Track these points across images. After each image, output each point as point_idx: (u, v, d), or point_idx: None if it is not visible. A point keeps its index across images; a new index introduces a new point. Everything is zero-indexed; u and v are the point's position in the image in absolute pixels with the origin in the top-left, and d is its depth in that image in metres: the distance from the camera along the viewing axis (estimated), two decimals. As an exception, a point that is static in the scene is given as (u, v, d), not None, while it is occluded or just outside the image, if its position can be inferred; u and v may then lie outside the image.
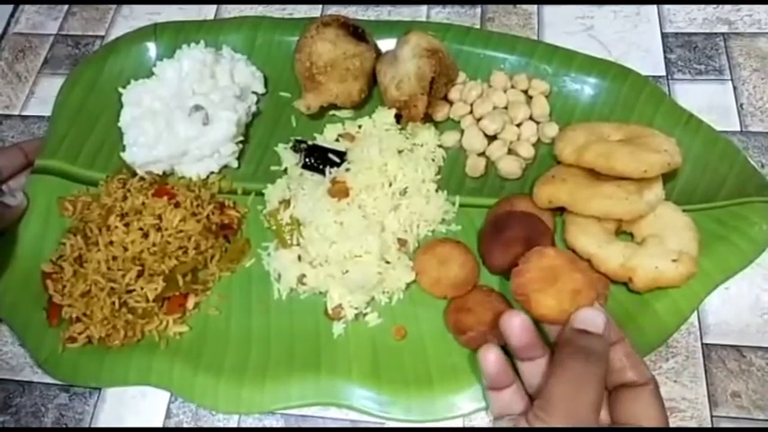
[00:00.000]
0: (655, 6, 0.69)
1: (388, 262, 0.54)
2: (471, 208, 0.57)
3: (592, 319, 0.40)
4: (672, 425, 0.49)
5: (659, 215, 0.52)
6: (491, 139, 0.59)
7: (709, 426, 0.49)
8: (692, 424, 0.49)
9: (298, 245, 0.56)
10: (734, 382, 0.50)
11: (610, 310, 0.50)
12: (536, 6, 0.71)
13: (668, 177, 0.54)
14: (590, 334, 0.40)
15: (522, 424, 0.40)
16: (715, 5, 0.69)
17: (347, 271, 0.53)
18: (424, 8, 0.72)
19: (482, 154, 0.59)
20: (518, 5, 0.71)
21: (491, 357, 0.43)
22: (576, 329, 0.40)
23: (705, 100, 0.62)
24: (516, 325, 0.41)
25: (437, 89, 0.59)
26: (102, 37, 0.75)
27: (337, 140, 0.61)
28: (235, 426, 0.52)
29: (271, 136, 0.63)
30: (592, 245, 0.51)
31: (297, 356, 0.52)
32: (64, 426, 0.53)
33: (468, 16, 0.71)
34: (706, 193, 0.55)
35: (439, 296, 0.53)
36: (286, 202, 0.57)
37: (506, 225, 0.52)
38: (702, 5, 0.69)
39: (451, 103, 0.62)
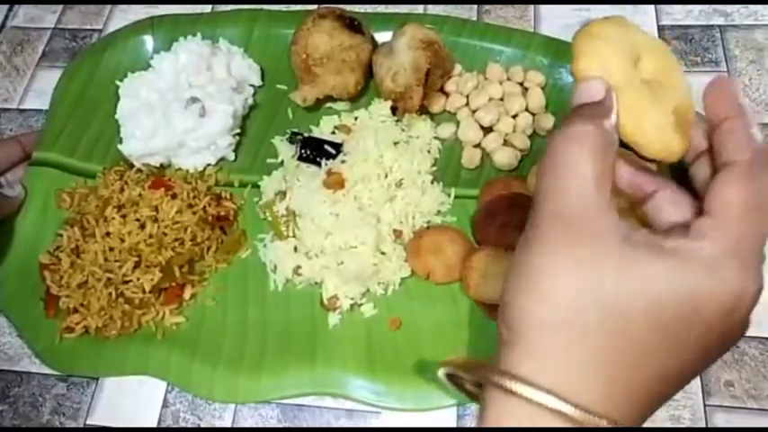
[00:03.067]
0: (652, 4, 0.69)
1: (383, 253, 0.54)
2: (467, 199, 0.57)
3: (590, 90, 0.31)
4: (665, 414, 0.49)
5: None
6: (487, 130, 0.60)
7: (703, 416, 0.49)
8: (686, 413, 0.49)
9: (293, 236, 0.56)
10: (727, 372, 0.50)
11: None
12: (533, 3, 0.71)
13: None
14: (582, 105, 0.31)
15: (669, 240, 0.28)
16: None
17: (342, 262, 0.53)
18: (420, 4, 0.72)
19: (478, 145, 0.60)
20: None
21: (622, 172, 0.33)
22: (572, 109, 0.31)
23: (701, 92, 0.62)
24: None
25: (433, 81, 0.59)
26: (100, 30, 0.75)
27: (333, 132, 0.61)
28: (231, 417, 0.52)
29: (267, 128, 0.64)
30: None
31: (293, 346, 0.52)
32: (62, 415, 0.53)
33: (464, 9, 0.71)
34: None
35: (443, 282, 0.53)
36: (282, 194, 0.58)
37: (500, 209, 0.53)
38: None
39: (447, 95, 0.62)
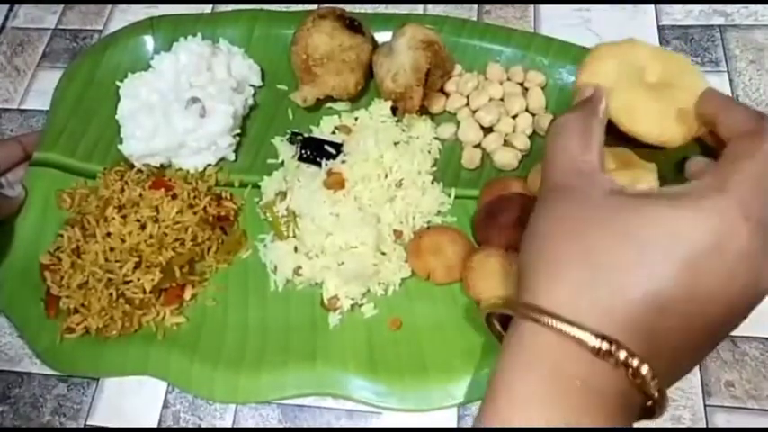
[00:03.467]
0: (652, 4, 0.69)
1: (383, 253, 0.54)
2: (467, 199, 0.58)
3: (582, 93, 0.39)
4: (666, 415, 0.49)
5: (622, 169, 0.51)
6: (487, 131, 0.60)
7: (703, 416, 0.49)
8: (686, 414, 0.49)
9: (294, 236, 0.56)
10: (728, 372, 0.50)
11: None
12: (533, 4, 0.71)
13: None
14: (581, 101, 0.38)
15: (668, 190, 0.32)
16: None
17: (343, 262, 0.53)
18: (419, 5, 0.72)
19: (478, 146, 0.60)
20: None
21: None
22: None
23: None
24: None
25: (433, 81, 0.59)
26: (100, 31, 0.75)
27: (334, 133, 0.61)
28: (231, 417, 0.52)
29: (267, 128, 0.64)
30: None
31: (293, 347, 0.52)
32: (62, 415, 0.53)
33: (464, 9, 0.71)
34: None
35: (443, 282, 0.53)
36: (282, 194, 0.58)
37: (500, 209, 0.53)
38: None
39: (447, 96, 0.62)
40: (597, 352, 0.27)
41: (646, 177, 0.51)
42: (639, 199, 0.30)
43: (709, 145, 0.43)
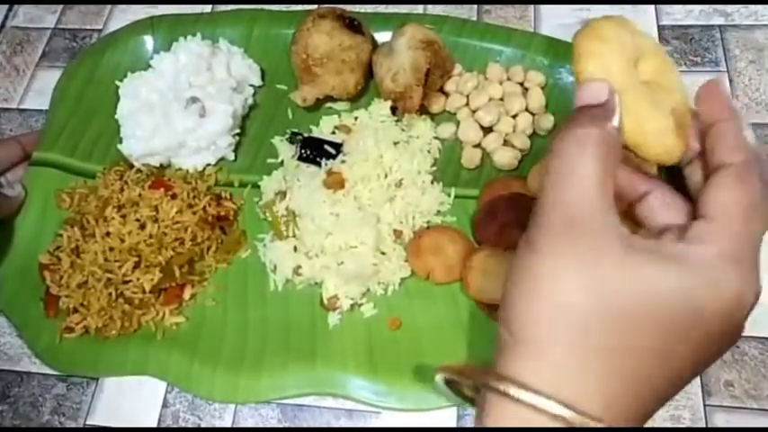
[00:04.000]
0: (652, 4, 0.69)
1: (383, 253, 0.54)
2: (467, 199, 0.57)
3: (593, 92, 0.31)
4: (665, 414, 0.49)
5: None
6: (487, 130, 0.60)
7: (702, 416, 0.49)
8: (686, 413, 0.49)
9: (293, 236, 0.56)
10: (727, 372, 0.50)
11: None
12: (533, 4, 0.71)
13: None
14: (584, 107, 0.31)
15: (667, 244, 0.28)
16: None
17: (342, 262, 0.53)
18: (419, 5, 0.72)
19: (478, 145, 0.60)
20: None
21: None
22: (574, 111, 0.31)
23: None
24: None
25: (433, 81, 0.59)
26: (100, 30, 0.75)
27: (333, 132, 0.61)
28: (231, 417, 0.52)
29: (267, 128, 0.64)
30: None
31: (293, 346, 0.52)
32: (62, 415, 0.53)
33: (464, 9, 0.71)
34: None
35: (443, 282, 0.53)
36: (282, 194, 0.58)
37: (500, 209, 0.53)
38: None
39: (447, 95, 0.62)
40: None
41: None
42: (652, 258, 0.27)
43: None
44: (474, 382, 0.30)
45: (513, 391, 0.26)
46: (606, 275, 0.27)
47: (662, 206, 0.32)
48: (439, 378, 0.32)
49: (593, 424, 0.25)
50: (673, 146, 0.35)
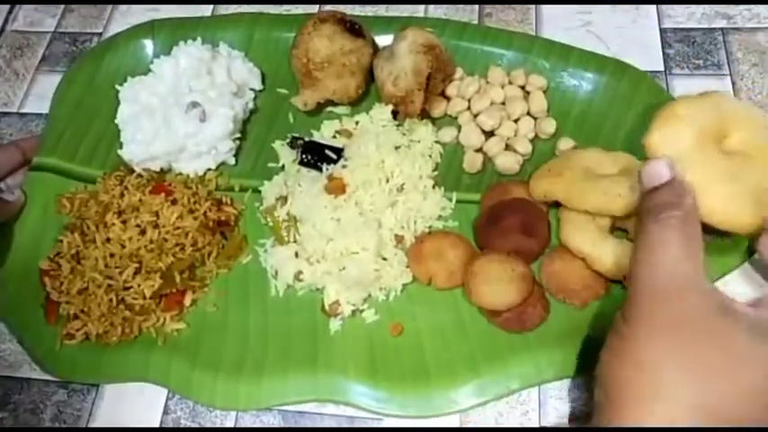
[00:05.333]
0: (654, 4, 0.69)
1: (384, 258, 0.54)
2: (469, 204, 0.57)
3: (654, 172, 0.34)
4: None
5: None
6: (488, 135, 0.59)
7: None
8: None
9: (294, 241, 0.56)
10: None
11: (607, 308, 0.50)
12: (534, 4, 0.71)
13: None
14: (656, 189, 0.34)
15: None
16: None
17: (344, 268, 0.53)
18: (421, 5, 0.72)
19: (479, 150, 0.59)
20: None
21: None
22: (646, 192, 0.34)
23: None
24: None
25: (434, 85, 0.59)
26: (100, 34, 0.75)
27: (334, 137, 0.61)
28: (232, 424, 0.52)
29: (268, 133, 0.63)
30: (586, 244, 0.50)
31: (294, 353, 0.52)
32: (62, 422, 0.53)
33: (465, 12, 0.71)
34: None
35: (445, 287, 0.53)
36: (283, 199, 0.57)
37: (502, 214, 0.53)
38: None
39: (449, 99, 0.62)
40: None
41: None
42: (754, 331, 0.29)
43: None
44: None
45: None
46: (697, 347, 0.28)
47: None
48: None
49: None
50: (743, 216, 0.37)
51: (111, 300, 0.53)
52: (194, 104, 0.59)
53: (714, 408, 0.28)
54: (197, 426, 0.52)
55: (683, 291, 0.30)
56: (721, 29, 0.66)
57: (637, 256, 0.33)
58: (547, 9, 0.70)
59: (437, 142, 0.60)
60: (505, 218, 0.53)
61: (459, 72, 0.63)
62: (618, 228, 0.53)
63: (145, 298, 0.53)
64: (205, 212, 0.57)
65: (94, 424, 0.53)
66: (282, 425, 0.52)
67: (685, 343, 0.29)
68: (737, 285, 0.53)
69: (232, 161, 0.62)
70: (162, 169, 0.61)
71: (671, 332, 0.29)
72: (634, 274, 0.32)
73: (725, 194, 0.37)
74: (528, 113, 0.60)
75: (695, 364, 0.28)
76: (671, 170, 0.34)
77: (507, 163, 0.58)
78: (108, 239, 0.55)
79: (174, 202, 0.57)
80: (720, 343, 0.29)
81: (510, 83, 0.62)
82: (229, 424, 0.52)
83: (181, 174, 0.61)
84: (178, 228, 0.56)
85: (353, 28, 0.60)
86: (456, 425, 0.50)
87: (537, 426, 0.49)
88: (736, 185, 0.37)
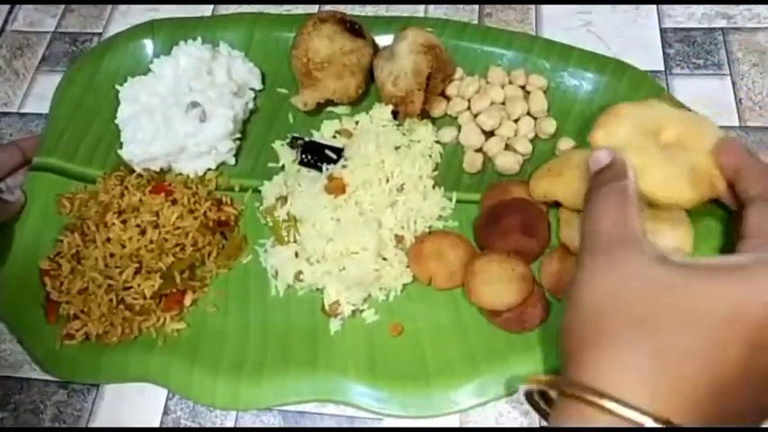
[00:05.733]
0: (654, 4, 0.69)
1: (384, 259, 0.54)
2: (469, 204, 0.57)
3: (598, 158, 0.40)
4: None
5: (653, 211, 0.52)
6: (488, 134, 0.59)
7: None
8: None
9: (295, 242, 0.56)
10: None
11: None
12: (534, 4, 0.71)
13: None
14: (600, 170, 0.39)
15: (701, 259, 0.34)
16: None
17: (344, 268, 0.53)
18: (421, 5, 0.72)
19: (479, 150, 0.59)
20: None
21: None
22: (592, 175, 0.40)
23: (704, 95, 0.62)
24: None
25: (434, 85, 0.59)
26: (100, 34, 0.75)
27: (334, 137, 0.61)
28: (232, 424, 0.52)
29: (268, 132, 0.63)
30: None
31: (294, 353, 0.52)
32: (62, 422, 0.53)
33: (465, 12, 0.71)
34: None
35: (445, 288, 0.53)
36: (283, 199, 0.57)
37: (502, 214, 0.53)
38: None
39: (449, 99, 0.62)
40: None
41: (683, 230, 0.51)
42: (691, 271, 0.31)
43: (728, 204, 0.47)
44: (559, 391, 0.32)
45: (607, 403, 0.28)
46: (633, 274, 0.31)
47: None
48: (524, 388, 0.36)
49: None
50: (684, 193, 0.43)
51: (111, 300, 0.53)
52: (194, 104, 0.59)
53: (667, 349, 0.29)
54: (197, 426, 0.52)
55: (623, 245, 0.33)
56: (721, 29, 0.66)
57: (582, 223, 0.37)
58: (547, 9, 0.70)
59: (437, 142, 0.60)
60: (505, 218, 0.53)
61: (459, 72, 0.63)
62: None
63: (145, 298, 0.53)
64: (205, 212, 0.57)
65: (94, 424, 0.53)
66: (282, 425, 0.52)
67: (628, 289, 0.31)
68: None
69: (232, 161, 0.62)
70: (162, 169, 0.61)
71: (614, 281, 0.32)
72: (580, 236, 0.36)
73: (664, 175, 0.43)
74: (528, 113, 0.60)
75: (640, 310, 0.30)
76: (611, 155, 0.40)
77: (507, 163, 0.58)
78: (108, 239, 0.55)
79: (174, 202, 0.57)
80: (659, 287, 0.31)
81: (510, 83, 0.62)
82: (229, 424, 0.52)
83: (181, 174, 0.61)
84: (178, 228, 0.56)
85: (353, 28, 0.60)
86: (456, 425, 0.50)
87: (537, 426, 0.49)
88: (674, 168, 0.44)
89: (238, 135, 0.62)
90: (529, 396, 0.37)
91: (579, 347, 0.32)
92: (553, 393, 0.34)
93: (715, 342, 0.28)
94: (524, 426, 0.49)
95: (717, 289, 0.29)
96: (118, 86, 0.63)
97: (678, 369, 0.28)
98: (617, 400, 0.28)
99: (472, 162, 0.59)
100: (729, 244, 0.51)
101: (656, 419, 0.27)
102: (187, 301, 0.55)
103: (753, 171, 0.40)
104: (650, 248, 0.33)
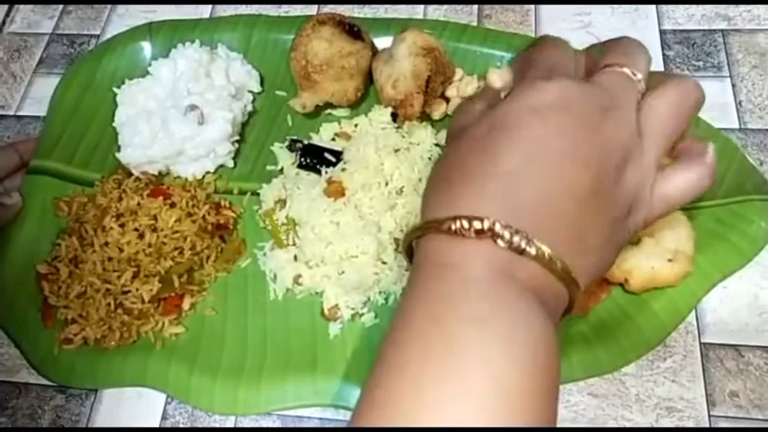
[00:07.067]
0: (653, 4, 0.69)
1: (384, 262, 0.54)
2: (468, 207, 0.57)
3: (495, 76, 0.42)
4: (669, 425, 0.49)
5: None
6: (488, 137, 0.59)
7: (707, 426, 0.49)
8: (690, 424, 0.49)
9: (294, 245, 0.55)
10: (732, 382, 0.50)
11: (608, 310, 0.50)
12: (533, 4, 0.71)
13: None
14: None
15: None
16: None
17: (343, 271, 0.53)
18: (420, 6, 0.72)
19: (479, 152, 0.59)
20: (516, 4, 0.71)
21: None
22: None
23: (707, 98, 0.62)
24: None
25: (433, 87, 0.58)
26: (98, 36, 0.75)
27: (333, 139, 0.61)
28: (231, 426, 0.52)
29: (267, 135, 0.63)
30: None
31: (293, 357, 0.52)
32: (61, 427, 0.53)
33: (465, 14, 0.71)
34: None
35: None
36: (282, 202, 0.57)
37: None
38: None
39: (448, 101, 0.62)
40: (509, 244, 0.29)
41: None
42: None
43: None
44: (423, 231, 0.33)
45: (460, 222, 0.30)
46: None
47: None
48: (402, 247, 0.36)
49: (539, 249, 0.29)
50: None
51: (109, 304, 0.53)
52: (192, 107, 0.58)
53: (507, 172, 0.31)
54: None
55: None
56: (721, 30, 0.66)
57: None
58: (546, 10, 0.70)
59: (437, 145, 0.60)
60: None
61: (458, 73, 0.62)
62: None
63: (143, 302, 0.53)
64: (204, 216, 0.57)
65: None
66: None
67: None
68: (737, 286, 0.53)
69: (231, 164, 0.62)
70: (160, 172, 0.61)
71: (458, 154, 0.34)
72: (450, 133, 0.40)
73: None
74: (528, 115, 0.60)
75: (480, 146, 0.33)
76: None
77: (507, 166, 0.57)
78: (106, 243, 0.55)
79: (172, 205, 0.57)
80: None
81: (509, 85, 0.61)
82: (230, 427, 0.52)
83: (179, 177, 0.61)
84: (176, 231, 0.55)
85: (352, 30, 0.60)
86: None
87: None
88: None
89: (237, 138, 0.62)
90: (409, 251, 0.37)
91: (431, 197, 0.34)
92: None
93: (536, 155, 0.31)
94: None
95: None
96: (115, 89, 0.63)
97: (521, 189, 0.30)
98: (466, 218, 0.30)
99: (472, 165, 0.58)
100: (730, 244, 0.51)
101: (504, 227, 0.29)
102: (185, 305, 0.54)
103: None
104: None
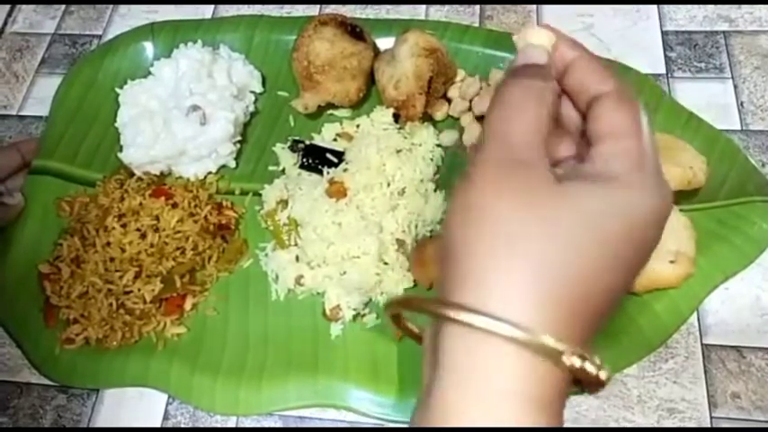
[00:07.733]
0: (655, 4, 0.69)
1: (386, 263, 0.54)
2: (470, 208, 0.57)
3: (532, 54, 0.33)
4: (671, 426, 0.49)
5: None
6: (490, 138, 0.59)
7: (709, 428, 0.49)
8: (692, 425, 0.49)
9: (295, 245, 0.55)
10: (733, 383, 0.50)
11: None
12: (535, 4, 0.71)
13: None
14: (529, 65, 0.33)
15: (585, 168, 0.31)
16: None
17: (345, 272, 0.53)
18: (422, 6, 0.72)
19: (481, 153, 0.59)
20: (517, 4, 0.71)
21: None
22: (519, 65, 0.34)
23: (705, 98, 0.62)
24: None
25: (435, 88, 0.58)
26: (100, 36, 0.75)
27: (335, 140, 0.61)
28: (233, 426, 0.52)
29: (268, 136, 0.63)
30: None
31: (294, 357, 0.52)
32: (62, 427, 0.53)
33: (466, 14, 0.71)
34: (706, 192, 0.54)
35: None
36: (283, 203, 0.57)
37: None
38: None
39: (450, 101, 0.62)
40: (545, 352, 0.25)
41: None
42: (580, 181, 0.29)
43: None
44: (422, 311, 0.29)
45: (463, 316, 0.26)
46: (545, 205, 0.28)
47: (553, 142, 0.34)
48: (387, 314, 0.32)
49: (551, 343, 0.25)
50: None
51: (111, 304, 0.53)
52: (195, 107, 0.58)
53: (562, 263, 0.27)
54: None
55: (529, 161, 0.30)
56: (723, 32, 0.66)
57: (493, 108, 0.32)
58: (548, 11, 0.70)
59: (438, 145, 0.60)
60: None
61: (460, 74, 0.62)
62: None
63: (145, 302, 0.53)
64: (206, 216, 0.57)
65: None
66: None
67: (527, 192, 0.29)
68: (739, 288, 0.53)
69: (232, 164, 0.62)
70: (162, 173, 0.61)
71: (515, 195, 0.29)
72: (488, 122, 0.32)
73: None
74: (529, 116, 0.60)
75: (538, 220, 0.28)
76: (547, 57, 0.33)
77: (509, 166, 0.57)
78: (108, 243, 0.55)
79: (174, 205, 0.57)
80: (562, 201, 0.29)
81: (511, 86, 0.61)
82: (230, 428, 0.52)
83: (181, 177, 0.61)
84: (178, 231, 0.55)
85: (354, 31, 0.60)
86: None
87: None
88: None
89: (239, 138, 0.62)
90: (396, 318, 0.33)
91: (465, 265, 0.28)
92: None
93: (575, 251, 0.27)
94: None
95: (609, 203, 0.28)
96: (118, 89, 0.63)
97: (550, 281, 0.27)
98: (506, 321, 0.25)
99: (473, 165, 0.58)
100: (731, 245, 0.51)
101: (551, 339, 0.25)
102: (187, 305, 0.54)
103: (594, 66, 0.33)
104: (548, 167, 0.30)
